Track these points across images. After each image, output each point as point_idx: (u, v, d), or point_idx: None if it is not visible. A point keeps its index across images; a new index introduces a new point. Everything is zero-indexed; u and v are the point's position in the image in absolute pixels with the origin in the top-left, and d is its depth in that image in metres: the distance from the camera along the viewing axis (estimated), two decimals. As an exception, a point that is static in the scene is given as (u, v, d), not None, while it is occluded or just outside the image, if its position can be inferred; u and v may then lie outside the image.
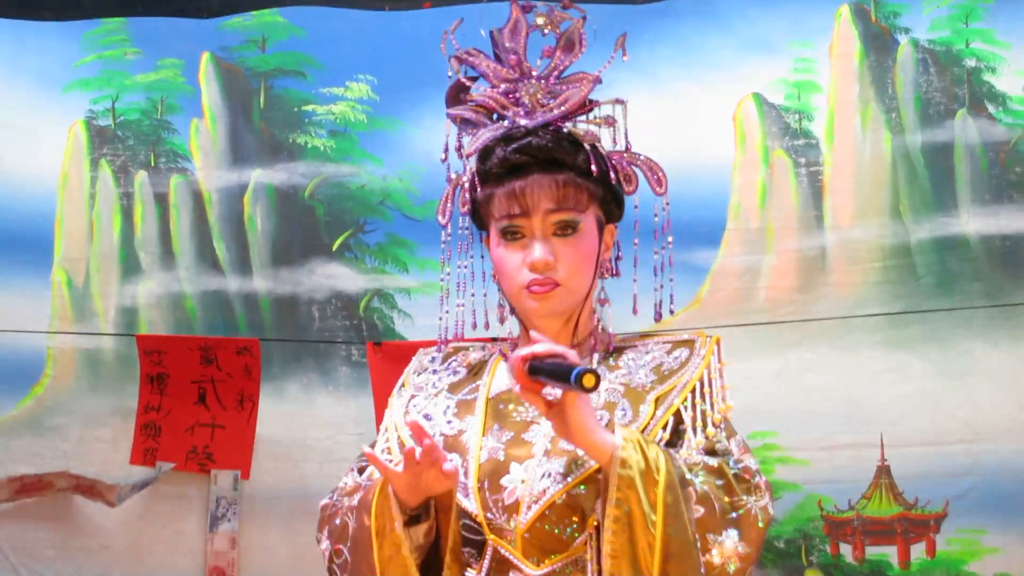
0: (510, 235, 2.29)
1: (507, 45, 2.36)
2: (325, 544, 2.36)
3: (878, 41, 3.95)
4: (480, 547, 2.25)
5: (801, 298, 3.93)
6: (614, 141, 2.36)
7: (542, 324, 2.30)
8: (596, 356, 2.35)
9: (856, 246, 3.92)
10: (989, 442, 3.84)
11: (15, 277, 3.98)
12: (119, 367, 3.96)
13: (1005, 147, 3.90)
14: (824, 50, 3.96)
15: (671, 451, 2.22)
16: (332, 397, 3.98)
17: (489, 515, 2.24)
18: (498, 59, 2.37)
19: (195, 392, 3.94)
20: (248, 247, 4.05)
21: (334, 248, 4.04)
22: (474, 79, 2.42)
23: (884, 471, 3.87)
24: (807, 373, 3.90)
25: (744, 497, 2.20)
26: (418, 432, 2.17)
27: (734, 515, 2.18)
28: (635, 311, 2.34)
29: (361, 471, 2.44)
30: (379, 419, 3.55)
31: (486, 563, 2.24)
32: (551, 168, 2.27)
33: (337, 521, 2.34)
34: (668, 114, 3.80)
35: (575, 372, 2.09)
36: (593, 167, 2.29)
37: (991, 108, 3.92)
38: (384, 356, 3.82)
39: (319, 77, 4.05)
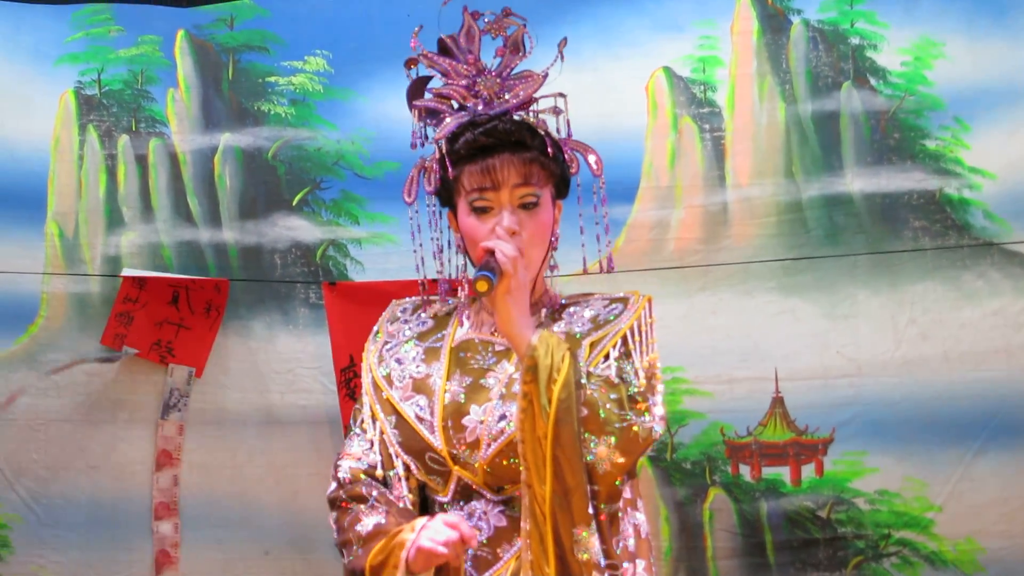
0: (480, 209, 2.45)
1: (464, 46, 2.54)
2: (335, 528, 2.48)
3: (773, 21, 4.04)
4: (445, 476, 2.45)
5: (705, 248, 4.04)
6: (558, 130, 2.53)
7: None
8: (544, 311, 2.53)
9: (754, 202, 4.04)
10: (870, 376, 3.97)
11: (12, 229, 4.09)
12: (103, 308, 4.05)
13: (885, 115, 4.01)
14: (726, 29, 4.05)
15: (579, 358, 2.36)
16: (292, 335, 4.08)
17: (453, 451, 2.42)
18: (455, 58, 2.53)
19: (169, 294, 4.03)
20: (218, 202, 4.12)
21: (294, 203, 4.12)
22: (429, 78, 2.57)
23: (778, 401, 4.00)
24: (710, 315, 4.02)
25: (631, 415, 2.34)
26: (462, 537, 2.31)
27: (617, 425, 2.32)
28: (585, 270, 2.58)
29: (364, 431, 2.52)
30: (335, 352, 3.86)
31: (451, 489, 2.43)
32: (517, 149, 2.46)
33: (346, 523, 2.45)
34: (589, 86, 3.89)
35: (475, 273, 2.31)
36: (549, 149, 2.47)
37: (873, 81, 4.02)
38: (338, 294, 3.96)
39: (281, 52, 4.13)
